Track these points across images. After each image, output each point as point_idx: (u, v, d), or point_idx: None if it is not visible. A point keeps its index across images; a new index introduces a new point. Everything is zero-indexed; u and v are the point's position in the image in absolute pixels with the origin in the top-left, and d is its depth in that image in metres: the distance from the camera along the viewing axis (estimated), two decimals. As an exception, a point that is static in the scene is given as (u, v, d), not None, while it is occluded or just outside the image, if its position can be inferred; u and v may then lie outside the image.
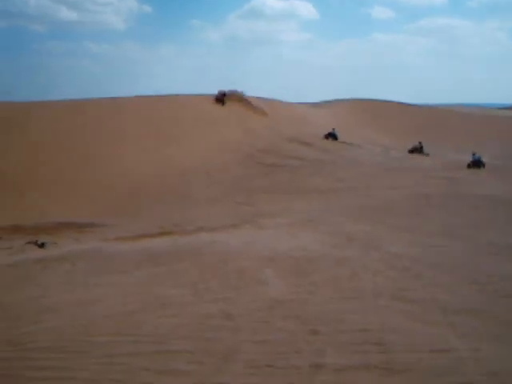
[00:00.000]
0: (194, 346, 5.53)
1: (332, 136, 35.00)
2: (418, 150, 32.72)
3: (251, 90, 39.83)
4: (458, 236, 11.48)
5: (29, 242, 13.77)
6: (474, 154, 26.76)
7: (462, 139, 39.71)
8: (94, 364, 5.17)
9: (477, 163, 26.16)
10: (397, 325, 5.90)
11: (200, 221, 16.07)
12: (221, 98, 37.04)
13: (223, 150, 29.32)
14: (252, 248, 11.08)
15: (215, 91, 38.52)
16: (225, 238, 12.76)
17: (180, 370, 4.97)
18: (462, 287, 7.38)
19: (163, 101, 35.63)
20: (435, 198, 17.33)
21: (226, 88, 38.85)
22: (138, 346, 5.63)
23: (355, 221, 13.98)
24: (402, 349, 5.21)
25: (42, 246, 13.53)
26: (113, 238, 14.52)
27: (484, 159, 26.77)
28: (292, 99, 51.13)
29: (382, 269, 8.67)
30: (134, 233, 14.97)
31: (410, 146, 33.19)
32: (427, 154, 31.22)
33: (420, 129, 44.00)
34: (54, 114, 29.89)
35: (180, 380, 4.77)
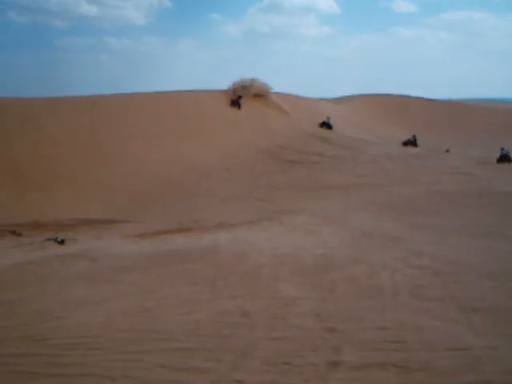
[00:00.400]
0: (211, 343, 5.54)
1: (326, 125, 35.15)
2: (411, 142, 33.70)
3: (270, 84, 39.27)
4: (478, 233, 11.36)
5: (49, 239, 13.88)
6: (502, 149, 26.82)
7: (484, 135, 39.25)
8: (111, 361, 5.21)
9: (505, 158, 26.11)
10: (415, 323, 5.86)
11: (219, 217, 16.11)
12: (236, 101, 34.96)
13: (242, 146, 29.32)
14: (271, 245, 11.08)
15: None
16: (243, 235, 12.78)
17: (197, 367, 4.99)
18: (481, 285, 7.30)
19: (181, 97, 35.68)
20: (455, 195, 17.16)
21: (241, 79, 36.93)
22: (154, 343, 5.66)
23: (375, 217, 13.92)
24: (420, 347, 5.17)
25: (61, 242, 13.63)
26: (132, 235, 14.61)
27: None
28: (312, 94, 50.93)
29: (401, 266, 8.61)
30: (153, 229, 15.05)
31: (415, 140, 33.74)
32: (447, 150, 30.87)
33: (442, 124, 43.63)
34: (72, 110, 30.10)
35: (197, 377, 4.79)
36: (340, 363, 4.92)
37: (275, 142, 30.40)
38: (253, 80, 37.10)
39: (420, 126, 42.90)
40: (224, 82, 39.73)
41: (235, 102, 34.99)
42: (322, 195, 19.50)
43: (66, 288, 8.73)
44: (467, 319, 5.90)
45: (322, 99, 50.84)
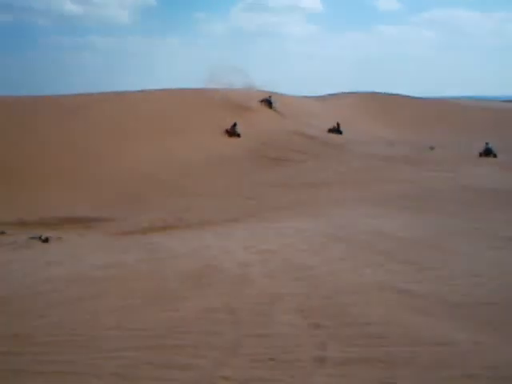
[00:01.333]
0: (196, 340, 5.56)
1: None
2: (335, 130, 35.06)
3: (256, 83, 39.27)
4: (462, 230, 11.47)
5: (33, 237, 13.79)
6: (486, 144, 28.35)
7: (471, 132, 39.58)
8: (97, 358, 5.21)
9: (488, 152, 27.68)
10: (398, 318, 5.92)
11: (204, 215, 16.11)
12: (233, 129, 30.97)
13: (227, 144, 29.31)
14: (255, 242, 11.10)
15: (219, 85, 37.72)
16: (228, 232, 12.80)
17: (183, 363, 5.00)
18: (464, 280, 7.38)
19: (167, 95, 35.59)
20: (439, 192, 17.32)
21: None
22: (140, 340, 5.67)
23: (360, 214, 13.99)
24: (404, 342, 5.23)
25: (46, 240, 13.55)
26: (117, 233, 14.57)
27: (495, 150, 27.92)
28: (296, 92, 50.94)
29: (384, 262, 8.68)
30: (139, 227, 15.02)
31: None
32: (432, 148, 31.10)
33: (428, 122, 43.89)
34: (58, 108, 29.92)
35: (183, 374, 4.80)
36: (325, 359, 4.96)
37: (261, 140, 30.41)
38: (233, 68, 37.01)
39: (406, 124, 43.19)
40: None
41: (232, 132, 31.33)
42: (307, 192, 19.55)
43: (51, 286, 8.69)
44: (450, 314, 5.96)
45: (306, 97, 50.95)
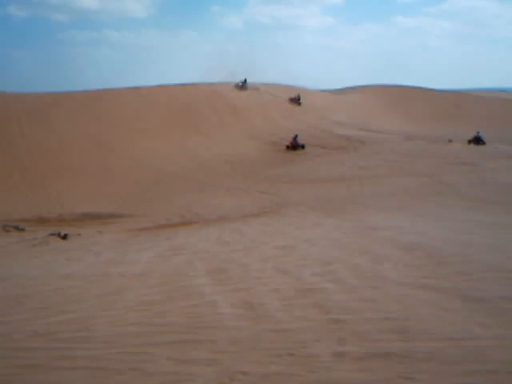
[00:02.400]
0: (216, 335, 5.57)
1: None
2: (295, 100, 37.01)
3: (273, 76, 39.71)
4: (481, 224, 11.35)
5: (52, 234, 13.95)
6: (478, 132, 30.53)
7: (488, 124, 39.15)
8: (117, 354, 5.24)
9: (477, 140, 29.89)
10: (419, 313, 5.87)
11: (221, 210, 16.15)
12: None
13: (246, 139, 29.33)
14: (274, 237, 11.10)
15: (236, 78, 38.19)
16: (247, 228, 12.80)
17: (202, 359, 5.02)
18: (485, 275, 7.30)
19: (185, 90, 35.69)
20: (456, 185, 17.16)
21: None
22: (160, 335, 5.70)
23: (378, 209, 13.92)
24: (424, 337, 5.19)
25: (64, 237, 13.69)
26: (136, 229, 14.66)
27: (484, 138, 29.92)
28: (314, 86, 50.77)
29: (404, 257, 8.62)
30: (157, 223, 15.10)
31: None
32: (451, 141, 30.77)
33: (444, 114, 43.49)
34: (76, 105, 30.17)
35: (203, 369, 4.81)
36: (344, 354, 4.94)
37: (279, 135, 30.37)
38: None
39: (425, 117, 42.84)
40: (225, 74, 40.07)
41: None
42: (325, 187, 19.51)
43: (71, 282, 8.77)
44: (472, 309, 5.90)
45: (323, 91, 50.74)
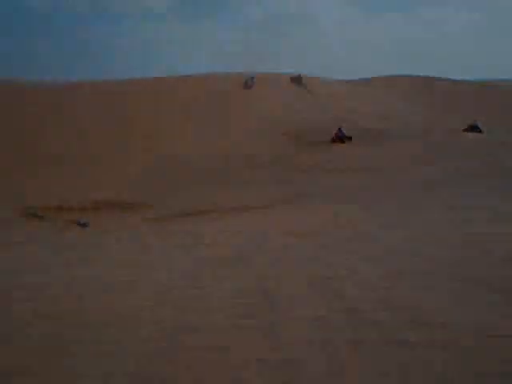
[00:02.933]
0: (233, 322, 5.55)
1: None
2: (296, 80, 37.90)
3: (291, 66, 39.69)
4: (503, 213, 11.14)
5: (71, 222, 14.02)
6: (475, 120, 30.83)
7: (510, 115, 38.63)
8: (135, 340, 5.26)
9: (472, 128, 30.09)
10: (440, 304, 5.78)
11: (239, 200, 16.12)
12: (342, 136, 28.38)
13: (263, 129, 29.22)
14: (292, 226, 11.06)
15: (254, 69, 38.09)
16: (264, 217, 12.78)
17: (219, 346, 5.00)
18: (509, 264, 7.16)
19: (202, 80, 35.71)
20: (479, 175, 16.93)
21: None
22: (177, 322, 5.70)
23: (398, 200, 13.76)
24: (445, 328, 5.11)
25: (83, 225, 13.75)
26: (154, 218, 14.70)
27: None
28: (334, 76, 50.55)
29: (423, 247, 8.51)
30: (175, 212, 15.13)
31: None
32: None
33: (465, 105, 42.98)
34: (96, 95, 30.34)
35: (219, 355, 4.79)
36: (362, 342, 4.89)
37: (296, 125, 30.20)
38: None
39: (445, 107, 42.37)
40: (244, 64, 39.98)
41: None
42: (342, 178, 19.38)
43: (91, 270, 8.82)
44: (495, 301, 5.79)
45: (342, 81, 50.44)
